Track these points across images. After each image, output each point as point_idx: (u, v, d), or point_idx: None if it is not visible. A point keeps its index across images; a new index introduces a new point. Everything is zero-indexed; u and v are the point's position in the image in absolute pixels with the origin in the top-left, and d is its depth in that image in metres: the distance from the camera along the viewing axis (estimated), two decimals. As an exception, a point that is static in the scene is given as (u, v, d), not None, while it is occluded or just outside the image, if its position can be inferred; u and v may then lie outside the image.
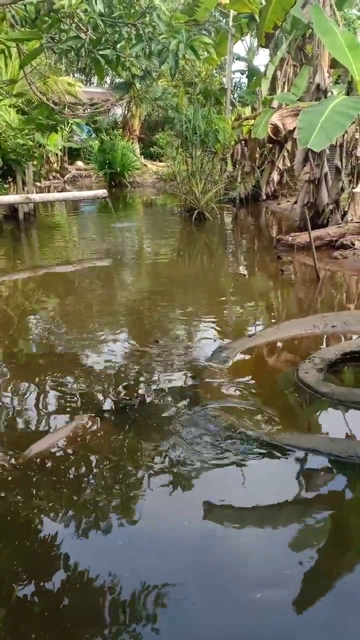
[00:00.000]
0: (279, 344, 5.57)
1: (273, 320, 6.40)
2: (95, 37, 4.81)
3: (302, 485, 3.34)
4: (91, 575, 2.68)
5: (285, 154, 15.06)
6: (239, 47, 33.33)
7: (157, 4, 4.88)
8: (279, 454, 3.58)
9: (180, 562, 2.77)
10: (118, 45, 5.06)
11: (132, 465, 3.55)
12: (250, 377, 4.87)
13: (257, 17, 13.50)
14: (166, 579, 2.63)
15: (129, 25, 4.83)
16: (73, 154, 24.62)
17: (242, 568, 2.73)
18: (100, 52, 5.01)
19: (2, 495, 3.30)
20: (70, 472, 3.51)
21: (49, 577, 2.69)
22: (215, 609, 2.48)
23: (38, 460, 3.59)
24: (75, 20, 4.70)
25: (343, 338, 5.61)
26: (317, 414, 4.34)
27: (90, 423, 3.99)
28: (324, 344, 5.56)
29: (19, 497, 3.28)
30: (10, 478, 3.45)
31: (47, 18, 4.76)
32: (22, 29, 5.68)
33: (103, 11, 4.56)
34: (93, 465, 3.56)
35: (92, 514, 3.10)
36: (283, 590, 2.59)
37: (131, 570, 2.70)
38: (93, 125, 24.96)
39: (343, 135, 9.96)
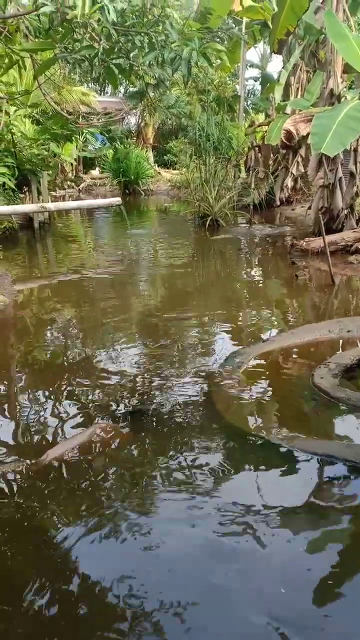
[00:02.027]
0: (294, 349, 5.54)
1: (288, 326, 6.38)
2: (108, 47, 4.86)
3: (317, 491, 3.30)
4: (106, 584, 2.66)
5: (299, 160, 15.04)
6: (253, 54, 33.42)
7: (170, 13, 4.92)
8: (294, 460, 3.56)
9: (195, 572, 2.73)
10: (131, 54, 5.11)
11: (147, 471, 3.53)
12: (264, 382, 4.86)
13: (269, 23, 13.53)
14: (182, 589, 2.61)
15: (142, 34, 4.87)
16: (88, 163, 24.82)
17: (260, 574, 2.71)
18: (114, 61, 5.06)
19: (19, 500, 3.31)
20: (86, 478, 3.51)
21: (62, 584, 2.67)
22: (232, 619, 2.46)
23: (54, 466, 3.60)
24: (89, 29, 4.75)
25: (359, 343, 5.57)
26: (333, 419, 4.31)
27: (106, 429, 4.00)
28: (340, 349, 5.52)
29: (35, 503, 3.29)
30: (26, 484, 3.46)
31: (60, 28, 4.82)
32: (36, 40, 5.76)
33: (116, 20, 4.60)
34: (109, 472, 3.55)
35: (107, 521, 3.08)
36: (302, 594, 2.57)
37: (146, 579, 2.68)
38: (107, 135, 25.16)
39: (357, 140, 9.92)
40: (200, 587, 2.62)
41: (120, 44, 4.95)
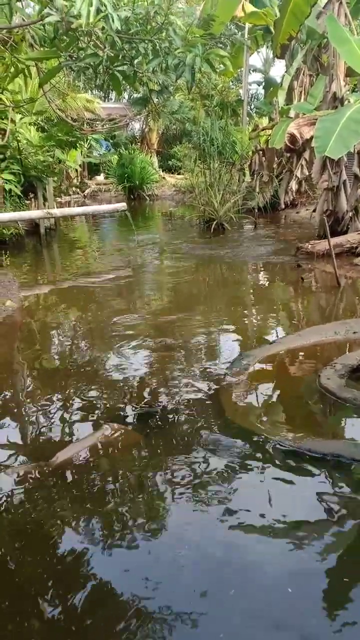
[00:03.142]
0: (300, 351, 5.57)
1: (294, 328, 6.41)
2: (112, 54, 4.92)
3: (326, 492, 3.33)
4: (116, 588, 2.68)
5: (304, 163, 15.09)
6: (256, 59, 33.53)
7: (173, 20, 4.98)
8: (302, 460, 3.59)
9: (204, 575, 2.75)
10: (135, 61, 5.17)
11: (156, 474, 3.56)
12: (271, 383, 4.89)
13: (272, 28, 13.61)
14: (191, 594, 2.63)
15: (146, 41, 4.93)
16: (92, 169, 24.97)
17: (266, 579, 2.73)
18: (118, 69, 5.12)
19: (29, 503, 3.35)
20: (95, 480, 3.55)
21: (72, 590, 2.68)
22: (238, 624, 2.48)
23: (64, 468, 3.64)
24: (93, 38, 4.81)
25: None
26: (339, 419, 4.34)
27: (115, 431, 4.04)
28: (346, 350, 5.55)
29: (45, 505, 3.32)
30: (36, 486, 3.50)
31: (65, 37, 4.88)
32: (41, 49, 5.84)
33: (120, 28, 4.66)
34: (118, 474, 3.59)
35: (116, 524, 3.11)
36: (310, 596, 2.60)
37: (156, 583, 2.70)
38: (111, 140, 25.30)
39: (361, 143, 9.97)
40: (209, 592, 2.64)
41: (125, 51, 5.02)
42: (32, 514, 3.26)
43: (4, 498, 3.40)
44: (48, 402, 4.74)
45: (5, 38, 5.84)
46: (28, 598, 2.68)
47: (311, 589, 2.64)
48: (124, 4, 4.98)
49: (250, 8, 14.38)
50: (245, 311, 7.35)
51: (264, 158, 15.12)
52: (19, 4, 5.29)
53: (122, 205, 12.76)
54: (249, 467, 3.58)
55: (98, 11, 4.40)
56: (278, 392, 4.77)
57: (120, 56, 5.02)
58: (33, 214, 11.56)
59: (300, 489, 3.37)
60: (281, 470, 3.52)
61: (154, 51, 5.01)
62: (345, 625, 2.44)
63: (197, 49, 5.06)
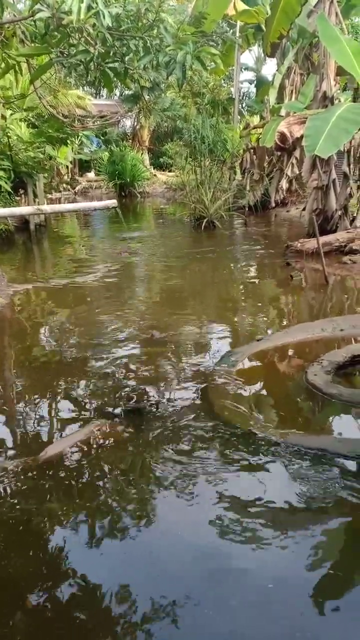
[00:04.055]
0: (288, 348, 5.62)
1: (282, 325, 6.46)
2: (103, 51, 4.92)
3: (311, 485, 3.37)
4: (103, 584, 2.70)
5: (294, 162, 15.13)
6: (248, 57, 33.54)
7: (164, 17, 4.99)
8: (288, 455, 3.63)
9: (191, 569, 2.79)
10: (126, 58, 5.17)
11: (145, 470, 3.59)
12: (258, 380, 4.94)
13: (263, 27, 13.63)
14: (177, 586, 2.66)
15: (137, 38, 4.94)
16: (83, 166, 24.89)
17: (252, 574, 2.77)
18: (109, 65, 5.12)
19: (16, 499, 3.37)
20: (83, 476, 3.57)
21: (60, 586, 2.70)
22: (226, 617, 2.52)
23: (52, 463, 3.66)
24: (84, 34, 4.81)
25: (354, 341, 5.65)
26: (325, 415, 4.39)
27: (103, 427, 4.06)
28: (333, 347, 5.60)
29: (33, 500, 3.34)
30: (24, 481, 3.52)
31: (56, 33, 4.88)
32: (32, 45, 5.83)
33: (111, 25, 4.66)
34: (106, 470, 3.61)
35: (104, 520, 3.13)
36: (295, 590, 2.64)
37: (143, 578, 2.74)
38: (103, 137, 25.24)
39: (350, 142, 10.03)
40: (196, 587, 2.67)
41: (116, 48, 5.02)
42: (19, 509, 3.28)
43: (-7, 492, 3.42)
44: (37, 398, 4.76)
45: (-4, 33, 5.83)
46: (12, 592, 2.71)
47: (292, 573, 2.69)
48: (115, 1, 4.98)
49: (241, 6, 14.39)
50: (234, 308, 7.39)
51: (254, 156, 15.16)
52: (9, -1, 5.29)
53: (113, 202, 12.71)
54: (235, 462, 3.62)
55: (89, 8, 4.40)
56: (265, 388, 4.82)
57: (112, 53, 5.02)
58: (23, 210, 11.51)
59: (285, 481, 3.41)
60: (267, 465, 3.56)
61: (145, 48, 5.01)
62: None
63: (188, 46, 5.07)
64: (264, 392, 4.74)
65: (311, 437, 3.89)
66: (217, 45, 5.59)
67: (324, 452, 3.61)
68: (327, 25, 9.55)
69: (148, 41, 4.97)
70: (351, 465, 3.52)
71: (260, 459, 3.62)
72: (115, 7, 4.79)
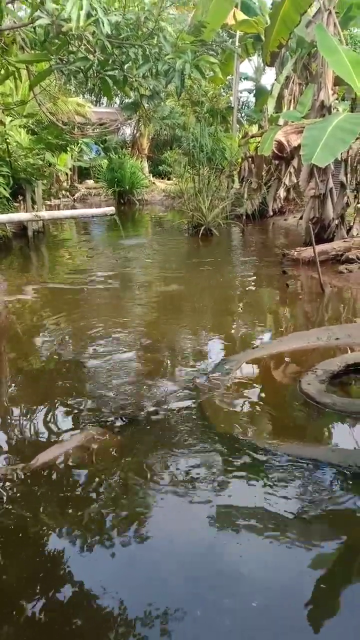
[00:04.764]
0: (283, 356, 5.62)
1: (277, 333, 6.47)
2: (103, 58, 4.94)
3: (303, 495, 3.36)
4: (96, 592, 2.69)
5: (292, 170, 15.20)
6: (247, 67, 33.73)
7: (164, 26, 5.03)
8: (281, 465, 3.63)
9: (183, 581, 2.77)
10: (125, 66, 5.20)
11: (138, 478, 3.58)
12: (253, 388, 4.93)
13: (262, 36, 13.73)
14: (172, 596, 2.65)
15: (136, 46, 4.97)
16: (82, 173, 24.95)
17: (246, 583, 2.76)
18: (108, 73, 5.14)
19: (8, 506, 3.35)
20: (76, 484, 3.55)
21: (54, 592, 2.69)
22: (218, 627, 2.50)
23: (44, 471, 3.65)
24: (84, 42, 4.84)
25: (349, 350, 5.65)
26: (319, 424, 4.38)
27: (96, 435, 4.05)
28: (328, 356, 5.60)
29: (25, 508, 3.33)
30: (16, 488, 3.51)
31: (56, 40, 4.90)
32: (32, 51, 5.85)
33: (110, 33, 4.69)
34: (99, 478, 3.60)
35: (98, 528, 3.12)
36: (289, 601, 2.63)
37: (136, 587, 2.72)
38: (102, 145, 25.32)
39: (347, 151, 10.08)
40: (187, 597, 2.66)
41: (115, 56, 5.04)
42: (10, 515, 3.26)
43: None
44: (30, 405, 4.74)
45: (-4, 40, 5.85)
46: (3, 600, 2.69)
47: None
48: (115, 9, 5.01)
49: (241, 16, 14.50)
50: (230, 316, 7.39)
51: (253, 165, 15.19)
52: (10, 6, 5.32)
53: (111, 210, 12.73)
54: (228, 471, 3.61)
55: (88, 15, 4.43)
56: (259, 397, 4.81)
57: (111, 61, 5.04)
58: (21, 216, 11.51)
59: (278, 491, 3.40)
60: (260, 474, 3.56)
61: (144, 56, 5.04)
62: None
63: (187, 55, 5.10)
64: (258, 400, 4.74)
65: (303, 446, 3.89)
66: (216, 55, 5.60)
67: (316, 462, 3.61)
68: (325, 35, 9.62)
69: (147, 49, 5.00)
70: (343, 475, 3.52)
71: (253, 469, 3.61)
72: (115, 15, 4.81)
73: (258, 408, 4.63)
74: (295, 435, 4.16)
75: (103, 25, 4.55)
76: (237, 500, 3.31)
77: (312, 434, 4.28)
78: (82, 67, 5.01)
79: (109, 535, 3.06)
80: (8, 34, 5.84)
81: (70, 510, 3.29)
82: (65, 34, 4.69)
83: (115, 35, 4.90)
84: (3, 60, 6.16)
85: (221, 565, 2.85)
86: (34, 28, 5.30)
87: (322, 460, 3.60)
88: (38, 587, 2.76)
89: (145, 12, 4.95)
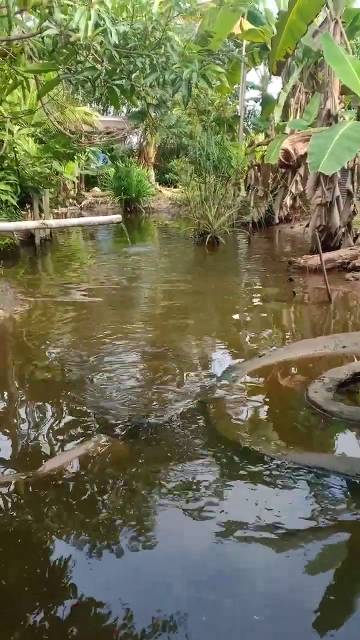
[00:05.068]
0: (290, 364, 5.61)
1: (284, 341, 6.45)
2: (110, 68, 4.98)
3: (310, 504, 3.35)
4: (101, 600, 2.67)
5: (298, 179, 15.24)
6: (254, 76, 33.92)
7: (171, 35, 5.06)
8: (288, 473, 3.61)
9: (188, 590, 2.75)
10: (133, 75, 5.23)
11: (144, 485, 3.57)
12: (259, 396, 4.92)
13: (269, 46, 13.80)
14: (176, 604, 2.64)
15: (144, 55, 5.00)
16: (89, 181, 25.07)
17: (252, 592, 2.74)
18: (116, 82, 5.18)
19: (15, 513, 3.35)
20: (83, 491, 3.55)
21: (59, 600, 2.68)
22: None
23: (51, 478, 3.64)
24: (92, 51, 4.87)
25: (356, 358, 5.64)
26: (326, 432, 4.37)
27: (103, 443, 4.04)
28: (335, 364, 5.59)
29: (31, 516, 3.32)
30: (23, 496, 3.51)
31: (64, 50, 4.95)
32: (40, 61, 5.90)
33: (118, 43, 4.72)
34: (105, 485, 3.59)
35: (104, 536, 3.10)
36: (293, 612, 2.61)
37: (142, 595, 2.71)
38: (109, 153, 25.45)
39: (354, 160, 10.09)
40: (192, 605, 2.64)
41: (122, 65, 5.08)
42: (17, 523, 3.26)
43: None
44: (36, 413, 4.75)
45: (5, 50, 5.91)
46: (8, 607, 2.69)
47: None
48: (123, 19, 5.05)
49: (247, 25, 14.59)
50: (236, 324, 7.39)
51: (259, 173, 15.24)
52: (18, 16, 5.36)
53: (118, 217, 12.77)
54: (235, 479, 3.60)
55: (96, 25, 4.46)
56: (266, 404, 4.80)
57: (118, 70, 5.08)
58: (29, 224, 11.58)
59: (284, 499, 3.39)
60: (267, 483, 3.54)
61: (152, 66, 5.07)
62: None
63: (194, 64, 5.13)
64: (264, 408, 4.72)
65: (310, 455, 3.87)
66: (223, 64, 5.63)
67: (322, 471, 3.59)
68: (332, 44, 9.66)
69: (155, 59, 5.03)
70: (350, 483, 3.50)
71: (260, 477, 3.59)
72: (123, 25, 4.85)
73: (265, 416, 4.61)
74: (302, 443, 4.14)
75: (111, 35, 4.58)
76: (243, 508, 3.29)
77: (319, 443, 4.26)
78: (89, 77, 5.04)
79: (115, 542, 3.05)
80: (17, 44, 5.89)
81: (76, 518, 3.28)
82: (73, 43, 4.73)
83: (122, 44, 4.93)
84: (11, 70, 6.22)
85: (227, 573, 2.84)
86: (42, 38, 5.35)
87: (329, 469, 3.58)
88: (43, 593, 2.75)
89: (153, 22, 4.98)
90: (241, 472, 3.66)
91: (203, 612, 2.57)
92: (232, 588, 2.75)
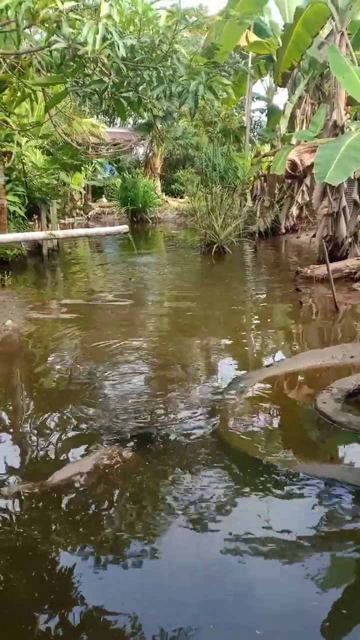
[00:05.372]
0: (298, 375, 5.60)
1: (292, 351, 6.44)
2: (117, 81, 5.02)
3: (320, 516, 3.33)
4: (108, 612, 2.66)
5: (304, 189, 15.28)
6: (259, 87, 34.04)
7: (178, 48, 5.10)
8: (297, 484, 3.59)
9: (198, 600, 2.74)
10: (140, 88, 5.28)
11: (152, 497, 3.56)
12: (267, 406, 4.91)
13: (275, 57, 13.90)
14: (185, 617, 2.62)
15: (151, 68, 5.04)
16: (96, 192, 25.24)
17: (260, 605, 2.72)
18: (123, 95, 5.22)
19: (24, 524, 3.35)
20: (91, 502, 3.54)
21: (66, 612, 2.67)
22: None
23: (60, 488, 3.64)
24: (99, 64, 4.92)
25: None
26: (335, 443, 4.35)
27: (112, 453, 4.04)
28: (343, 374, 5.57)
29: (40, 526, 3.32)
30: (31, 506, 3.50)
31: (71, 63, 4.99)
32: (48, 74, 5.96)
33: (125, 56, 4.76)
34: (113, 496, 3.58)
35: (111, 547, 3.09)
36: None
37: (149, 608, 2.70)
38: (116, 165, 25.63)
39: (360, 170, 10.11)
40: (201, 617, 2.63)
41: (130, 78, 5.12)
42: (26, 534, 3.26)
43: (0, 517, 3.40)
44: (46, 423, 4.74)
45: (13, 63, 5.97)
46: (20, 619, 2.68)
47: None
48: (130, 32, 5.09)
49: (253, 37, 14.70)
50: (244, 334, 7.39)
51: (265, 184, 15.32)
52: (27, 30, 5.43)
53: (124, 228, 12.80)
54: (243, 490, 3.58)
55: (104, 39, 4.50)
56: (274, 415, 4.79)
57: (125, 83, 5.12)
58: (36, 235, 11.65)
59: (295, 513, 3.37)
60: (276, 494, 3.52)
61: (159, 78, 5.11)
62: None
63: (200, 76, 5.16)
64: (272, 419, 4.71)
65: (319, 465, 3.85)
66: (229, 76, 5.67)
67: (332, 481, 3.57)
68: (338, 56, 9.72)
69: (161, 71, 5.07)
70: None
71: (269, 488, 3.58)
72: (130, 38, 4.89)
73: (273, 426, 4.60)
74: (311, 454, 4.13)
75: (118, 48, 4.61)
76: (252, 520, 3.27)
77: (328, 453, 4.24)
78: (97, 89, 5.08)
79: (123, 555, 3.03)
80: (25, 57, 5.96)
81: (85, 529, 3.28)
82: (81, 57, 4.77)
83: (130, 57, 4.97)
84: (20, 83, 6.28)
85: (235, 588, 2.82)
86: (51, 51, 5.40)
87: (339, 480, 3.56)
88: (50, 605, 2.74)
89: (160, 35, 5.02)
90: (250, 483, 3.64)
91: (209, 623, 2.55)
92: (239, 601, 2.73)
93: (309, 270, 9.64)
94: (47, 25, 4.64)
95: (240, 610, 2.66)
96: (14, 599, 2.80)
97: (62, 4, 4.29)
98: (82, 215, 22.33)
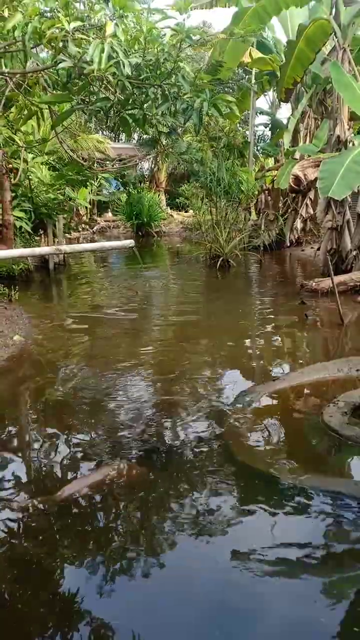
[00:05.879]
0: (304, 388, 5.60)
1: (298, 364, 6.44)
2: (123, 98, 5.09)
3: (328, 530, 3.32)
4: (115, 627, 2.66)
5: (308, 202, 15.34)
6: (263, 102, 34.30)
7: (182, 66, 5.17)
8: (304, 498, 3.59)
9: (203, 616, 2.74)
10: (145, 105, 5.35)
11: (160, 511, 3.56)
12: (274, 420, 4.91)
13: (278, 73, 14.02)
14: (189, 634, 2.62)
15: (155, 86, 5.12)
16: (102, 207, 25.39)
17: (267, 622, 2.71)
18: (128, 112, 5.29)
19: (33, 537, 3.36)
20: (99, 516, 3.55)
21: (72, 627, 2.67)
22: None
23: (69, 502, 3.64)
24: (104, 82, 4.99)
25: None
26: (342, 457, 4.34)
27: (120, 467, 4.04)
28: (349, 387, 5.56)
29: (48, 540, 3.32)
30: (40, 520, 3.51)
31: (77, 81, 5.07)
32: (54, 92, 6.05)
33: (130, 74, 4.84)
34: (121, 510, 3.59)
35: (118, 561, 3.09)
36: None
37: (154, 622, 2.69)
38: (121, 180, 25.81)
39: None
40: (207, 634, 2.63)
41: (135, 95, 5.19)
42: (35, 547, 3.26)
43: (9, 531, 3.40)
44: (53, 437, 4.76)
45: (20, 82, 6.06)
46: (27, 633, 2.68)
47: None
48: (135, 51, 5.17)
49: (257, 54, 14.85)
50: (249, 347, 7.39)
51: (269, 197, 15.39)
52: (33, 50, 5.52)
53: (130, 242, 12.86)
54: (251, 504, 3.58)
55: (109, 57, 4.57)
56: (281, 428, 4.79)
57: (131, 100, 5.19)
58: (43, 250, 11.72)
59: (302, 527, 3.36)
60: (283, 508, 3.52)
61: (163, 96, 5.18)
62: None
63: (204, 93, 5.23)
64: (279, 432, 4.71)
65: (327, 479, 3.85)
66: (233, 92, 5.74)
67: (339, 495, 3.56)
68: (340, 72, 9.82)
69: (166, 89, 5.14)
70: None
71: (277, 502, 3.58)
72: (135, 57, 4.97)
73: (280, 440, 4.60)
74: (318, 468, 4.12)
75: (124, 67, 4.68)
76: (259, 535, 3.27)
77: (335, 467, 4.24)
78: (102, 107, 5.16)
79: (130, 570, 3.03)
80: (31, 76, 6.05)
81: (92, 543, 3.28)
82: (86, 75, 4.85)
83: (135, 75, 5.05)
84: (26, 101, 6.37)
85: (241, 604, 2.81)
86: (57, 70, 5.49)
87: (346, 494, 3.55)
88: (56, 619, 2.74)
89: (165, 53, 5.10)
90: (257, 496, 3.64)
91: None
92: (245, 618, 2.72)
93: (313, 283, 9.66)
94: (53, 44, 4.72)
95: (247, 628, 2.66)
96: (19, 611, 2.80)
97: (68, 24, 4.37)
98: (87, 230, 22.45)
